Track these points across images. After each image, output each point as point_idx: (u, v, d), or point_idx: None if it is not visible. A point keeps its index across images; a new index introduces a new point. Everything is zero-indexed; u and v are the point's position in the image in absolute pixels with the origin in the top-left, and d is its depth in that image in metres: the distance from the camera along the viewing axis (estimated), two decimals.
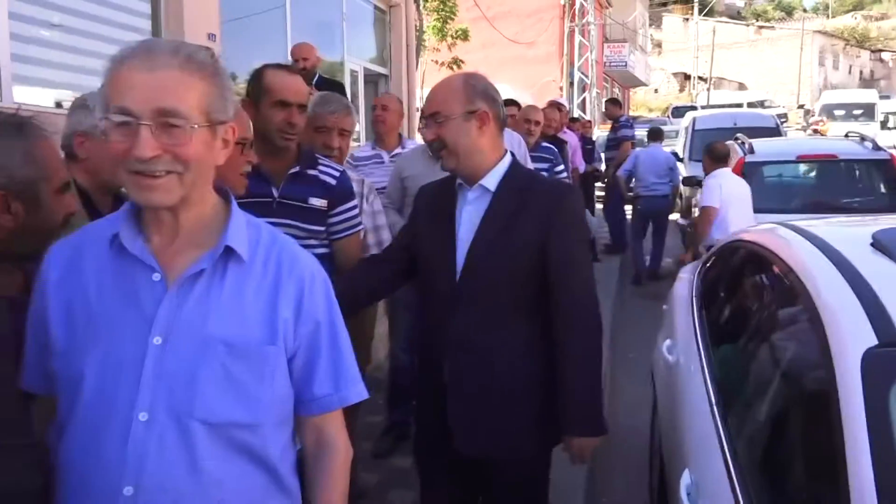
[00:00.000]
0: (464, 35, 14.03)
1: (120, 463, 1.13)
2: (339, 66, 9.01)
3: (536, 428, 2.07)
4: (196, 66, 1.16)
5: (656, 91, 46.61)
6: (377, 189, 3.15)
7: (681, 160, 11.21)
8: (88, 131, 1.93)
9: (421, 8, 12.08)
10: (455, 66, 13.90)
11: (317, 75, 4.79)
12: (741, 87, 45.24)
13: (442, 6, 13.89)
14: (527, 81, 19.02)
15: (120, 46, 1.18)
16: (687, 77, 45.82)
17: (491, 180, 2.04)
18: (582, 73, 21.30)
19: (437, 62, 14.13)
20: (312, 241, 2.35)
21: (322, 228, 2.41)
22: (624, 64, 27.14)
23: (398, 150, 3.97)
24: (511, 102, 5.71)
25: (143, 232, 1.22)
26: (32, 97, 4.15)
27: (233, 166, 1.65)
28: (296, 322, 1.26)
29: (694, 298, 3.13)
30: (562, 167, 5.47)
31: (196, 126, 1.14)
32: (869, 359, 1.52)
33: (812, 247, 2.15)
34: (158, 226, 1.22)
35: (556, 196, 2.06)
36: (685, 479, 2.05)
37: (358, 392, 1.35)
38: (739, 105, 28.34)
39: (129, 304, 1.19)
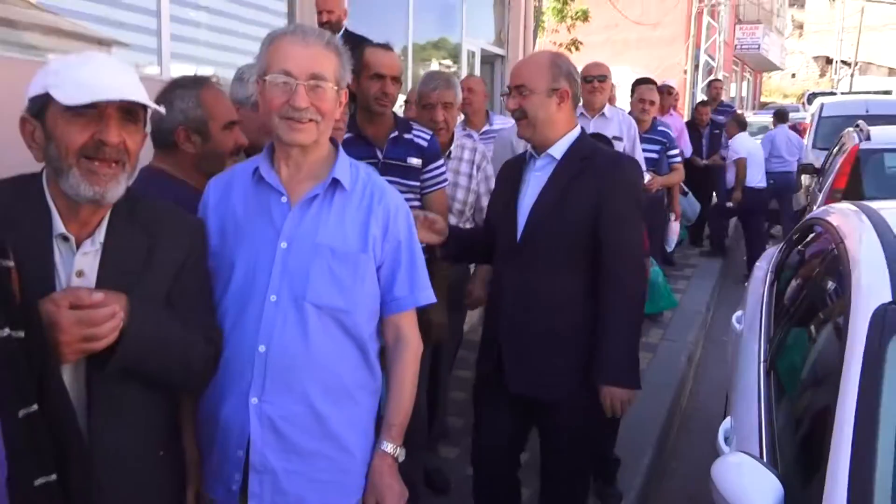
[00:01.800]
0: (583, 16, 13.99)
1: (256, 329, 1.56)
2: (457, 46, 9.36)
3: (580, 373, 2.21)
4: (333, 46, 1.60)
5: (793, 76, 43.92)
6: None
7: None
8: (241, 101, 2.38)
9: None
10: (573, 48, 13.90)
11: (343, 29, 4.70)
12: (892, 72, 41.78)
13: None
14: (649, 64, 18.61)
15: (257, 26, 1.61)
16: (829, 61, 42.86)
17: (558, 150, 2.27)
18: (709, 55, 20.57)
19: (555, 43, 14.18)
20: (409, 195, 2.70)
21: (417, 184, 2.79)
22: (757, 47, 25.86)
23: (486, 128, 4.28)
24: (648, 81, 5.63)
25: (275, 167, 1.65)
26: (185, 72, 4.76)
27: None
28: (383, 239, 1.66)
29: (769, 273, 3.26)
30: (676, 151, 5.50)
31: (333, 88, 1.57)
32: (879, 313, 1.70)
33: (865, 219, 2.30)
34: (287, 162, 1.64)
35: (612, 165, 2.27)
36: (725, 424, 2.28)
37: (427, 296, 1.74)
38: (888, 92, 26.23)
39: (265, 219, 1.62)
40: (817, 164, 8.12)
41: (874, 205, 2.50)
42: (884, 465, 1.40)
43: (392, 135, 2.76)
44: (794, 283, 2.74)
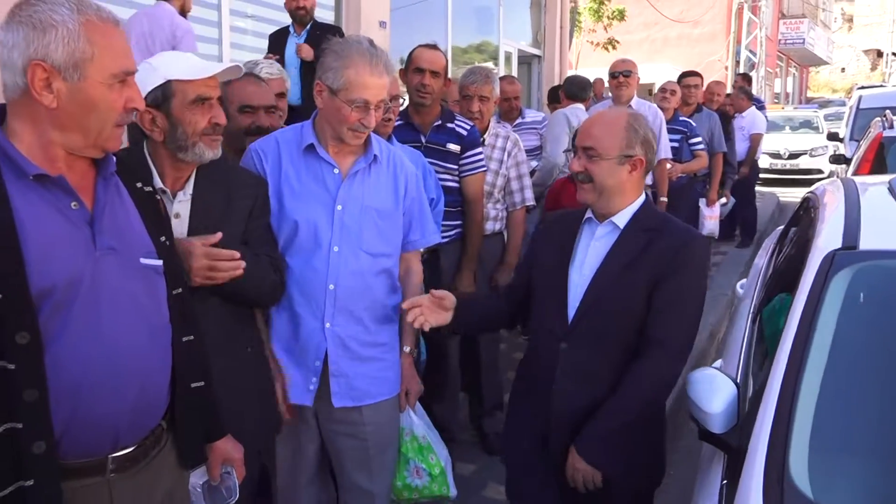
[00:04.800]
0: (619, 16, 14.25)
1: (325, 271, 2.06)
2: (495, 48, 9.75)
3: (645, 460, 2.08)
4: (391, 72, 2.06)
5: (843, 70, 43.04)
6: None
7: (840, 140, 10.85)
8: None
9: None
10: (610, 47, 14.17)
11: (311, 21, 4.92)
12: None
13: None
14: (690, 61, 18.70)
15: None
16: (880, 54, 41.89)
17: (622, 218, 2.04)
18: (750, 51, 20.54)
19: (592, 43, 14.47)
20: (447, 176, 3.15)
21: (455, 167, 3.20)
22: (801, 41, 25.62)
23: (519, 120, 4.95)
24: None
25: (322, 144, 2.09)
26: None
27: None
28: (405, 196, 2.18)
29: (773, 244, 3.58)
30: (698, 139, 5.85)
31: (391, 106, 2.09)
32: (828, 257, 2.04)
33: (841, 189, 2.61)
34: (336, 143, 2.08)
35: (681, 240, 2.02)
36: (716, 364, 2.63)
37: (434, 238, 2.30)
38: None
39: (321, 186, 2.08)
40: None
41: (858, 178, 2.81)
42: (812, 372, 1.74)
43: (436, 123, 3.18)
44: (784, 248, 3.06)
